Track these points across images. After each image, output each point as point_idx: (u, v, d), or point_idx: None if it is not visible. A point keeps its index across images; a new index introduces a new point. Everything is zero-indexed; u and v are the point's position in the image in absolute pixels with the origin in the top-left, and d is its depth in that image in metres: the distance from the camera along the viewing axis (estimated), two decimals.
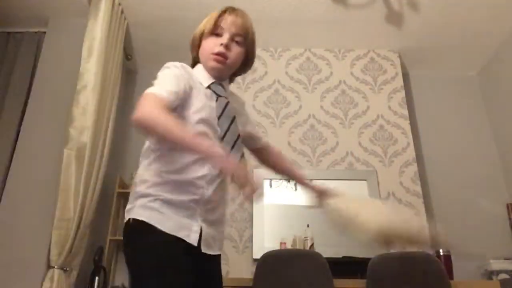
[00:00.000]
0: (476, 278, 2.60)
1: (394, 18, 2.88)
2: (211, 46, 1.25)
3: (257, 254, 2.36)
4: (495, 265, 2.50)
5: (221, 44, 1.23)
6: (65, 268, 2.14)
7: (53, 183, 2.27)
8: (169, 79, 1.16)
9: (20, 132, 2.58)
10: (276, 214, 2.64)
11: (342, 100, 3.03)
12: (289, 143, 2.87)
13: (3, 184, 2.44)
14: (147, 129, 1.04)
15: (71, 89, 2.44)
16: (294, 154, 2.84)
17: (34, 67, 2.81)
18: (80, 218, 2.22)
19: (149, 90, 1.10)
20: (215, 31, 1.26)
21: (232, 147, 1.18)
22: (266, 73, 3.11)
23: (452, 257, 2.39)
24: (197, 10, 2.83)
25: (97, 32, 2.51)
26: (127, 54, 3.13)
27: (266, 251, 2.19)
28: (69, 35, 2.80)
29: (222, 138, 1.17)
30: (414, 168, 2.80)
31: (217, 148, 1.03)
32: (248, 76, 3.09)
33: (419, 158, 2.97)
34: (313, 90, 3.06)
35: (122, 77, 2.85)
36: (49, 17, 2.89)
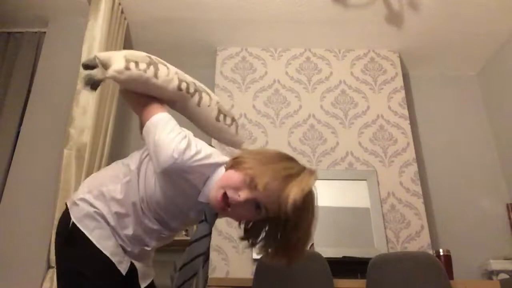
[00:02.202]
0: (476, 278, 2.60)
1: (394, 18, 2.88)
2: (232, 185, 1.02)
3: (257, 254, 2.36)
4: (495, 265, 2.50)
5: (239, 195, 1.01)
6: None
7: (53, 183, 2.27)
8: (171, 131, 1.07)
9: (20, 132, 2.58)
10: None
11: (342, 100, 3.03)
12: (289, 143, 2.87)
13: (3, 184, 2.44)
14: None
15: (71, 89, 2.44)
16: (294, 154, 2.83)
17: (34, 67, 2.81)
18: None
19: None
20: (250, 185, 1.01)
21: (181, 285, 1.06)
22: (266, 73, 3.11)
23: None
24: (197, 10, 2.83)
25: (97, 32, 2.50)
26: None
27: None
28: (69, 35, 2.80)
29: (179, 269, 1.06)
30: (414, 168, 2.80)
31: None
32: (248, 76, 3.09)
33: (419, 158, 2.97)
34: (313, 90, 3.06)
35: None
36: (49, 17, 2.89)
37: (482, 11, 2.79)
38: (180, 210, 1.14)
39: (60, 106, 2.54)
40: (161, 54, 3.62)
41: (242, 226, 1.15)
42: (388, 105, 3.02)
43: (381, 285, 2.01)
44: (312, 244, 2.44)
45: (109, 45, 2.59)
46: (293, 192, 0.98)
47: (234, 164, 1.07)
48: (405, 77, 3.28)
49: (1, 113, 2.69)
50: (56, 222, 2.16)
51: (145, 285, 1.20)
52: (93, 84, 1.20)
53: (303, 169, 1.07)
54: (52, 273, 2.09)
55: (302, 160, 2.78)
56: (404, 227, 2.62)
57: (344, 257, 2.39)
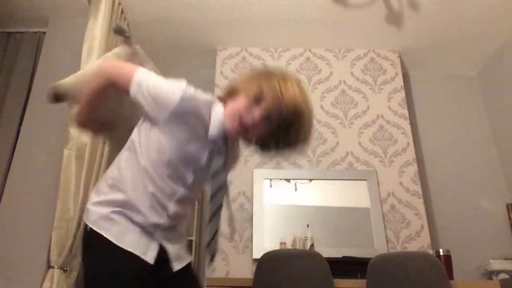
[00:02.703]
0: (476, 278, 2.61)
1: (394, 18, 2.88)
2: (242, 109, 1.10)
3: (257, 254, 2.36)
4: (495, 265, 2.49)
5: (253, 116, 1.09)
6: (65, 268, 2.14)
7: (53, 183, 2.27)
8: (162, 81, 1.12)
9: (20, 132, 2.58)
10: (276, 214, 2.64)
11: (342, 100, 3.03)
12: None
13: (3, 184, 2.44)
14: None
15: None
16: (294, 154, 2.83)
17: (34, 67, 2.80)
18: (80, 218, 2.21)
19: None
20: (257, 102, 1.09)
21: (213, 215, 1.16)
22: None
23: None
24: (197, 10, 2.83)
25: (97, 32, 2.50)
26: None
27: (266, 251, 2.19)
28: (69, 35, 2.80)
29: (211, 198, 1.15)
30: (414, 168, 2.80)
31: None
32: None
33: (419, 158, 2.97)
34: (313, 90, 3.06)
35: None
36: (49, 17, 2.89)
37: (482, 11, 2.79)
38: (192, 156, 1.14)
39: (60, 106, 2.53)
40: (161, 54, 3.63)
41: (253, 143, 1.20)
42: (388, 105, 3.02)
43: (381, 285, 2.01)
44: (312, 244, 2.44)
45: (109, 45, 2.59)
46: (293, 90, 1.09)
47: (230, 94, 1.15)
48: (405, 77, 3.28)
49: (1, 113, 2.69)
50: (56, 222, 2.17)
51: (179, 267, 1.18)
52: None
53: (289, 74, 1.16)
54: (52, 273, 2.09)
55: (302, 160, 2.80)
56: (404, 227, 2.62)
57: (344, 257, 2.39)
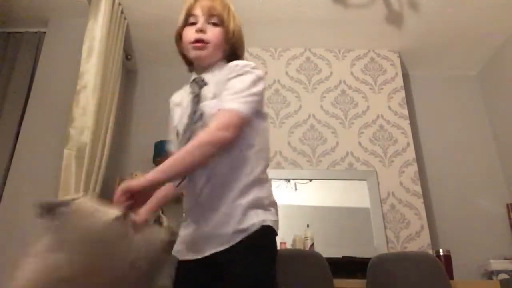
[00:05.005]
0: (476, 278, 2.61)
1: (394, 18, 2.88)
2: (188, 36, 1.24)
3: None
4: (495, 265, 2.50)
5: (196, 31, 1.22)
6: None
7: (53, 183, 2.27)
8: None
9: (20, 132, 2.58)
10: None
11: (342, 100, 3.03)
12: (289, 143, 2.87)
13: (3, 184, 2.44)
14: None
15: (71, 89, 2.44)
16: (294, 154, 2.84)
17: (34, 67, 2.80)
18: None
19: None
20: (189, 21, 1.26)
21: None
22: (266, 73, 3.11)
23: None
24: None
25: (97, 32, 2.50)
26: (127, 54, 3.12)
27: None
28: (69, 35, 2.80)
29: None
30: (414, 168, 2.80)
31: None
32: None
33: (419, 158, 2.97)
34: (313, 90, 3.06)
35: (122, 77, 2.85)
36: (49, 17, 2.89)
37: (482, 11, 2.79)
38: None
39: (60, 106, 2.54)
40: (161, 54, 3.61)
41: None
42: (388, 105, 3.02)
43: (381, 285, 2.01)
44: (312, 244, 2.44)
45: (109, 45, 2.59)
46: None
47: (178, 44, 1.31)
48: (405, 77, 3.28)
49: (1, 113, 2.69)
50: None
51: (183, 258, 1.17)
52: None
53: None
54: None
55: (302, 160, 2.80)
56: (404, 227, 2.62)
57: (344, 257, 2.39)
